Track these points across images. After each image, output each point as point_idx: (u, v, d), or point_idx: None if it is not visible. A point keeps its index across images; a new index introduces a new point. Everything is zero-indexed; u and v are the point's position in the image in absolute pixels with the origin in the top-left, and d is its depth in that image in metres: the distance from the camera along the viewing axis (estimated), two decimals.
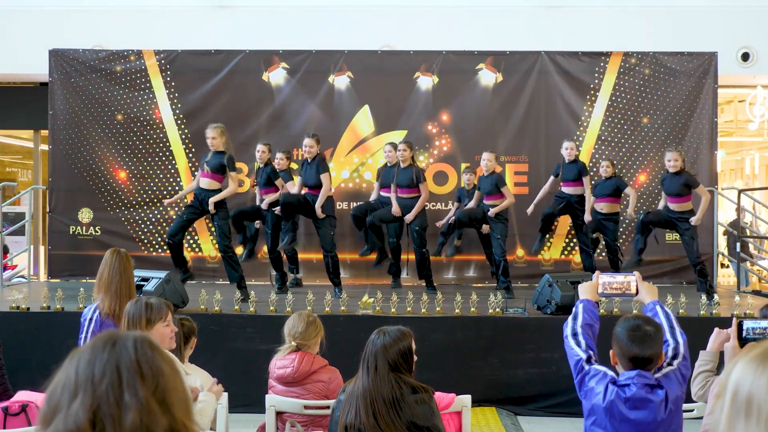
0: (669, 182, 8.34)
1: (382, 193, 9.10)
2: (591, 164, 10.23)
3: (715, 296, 8.04)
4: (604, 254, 9.67)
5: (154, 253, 10.32)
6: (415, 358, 3.52)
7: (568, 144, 9.12)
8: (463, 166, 10.18)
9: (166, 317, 3.93)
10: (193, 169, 10.41)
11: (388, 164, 9.13)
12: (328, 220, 8.53)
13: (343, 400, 3.43)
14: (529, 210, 9.38)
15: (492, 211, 8.66)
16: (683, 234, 8.38)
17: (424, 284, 8.98)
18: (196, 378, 4.13)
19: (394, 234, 9.11)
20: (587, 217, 8.94)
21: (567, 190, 9.08)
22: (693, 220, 8.23)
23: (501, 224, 8.72)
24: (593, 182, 9.34)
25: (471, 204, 9.18)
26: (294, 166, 9.45)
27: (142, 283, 7.26)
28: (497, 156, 9.10)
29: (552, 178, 9.34)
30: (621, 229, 10.16)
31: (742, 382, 1.40)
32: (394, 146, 9.08)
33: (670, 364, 3.11)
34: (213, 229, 10.41)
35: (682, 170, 8.32)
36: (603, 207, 9.02)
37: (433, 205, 10.13)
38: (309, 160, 8.55)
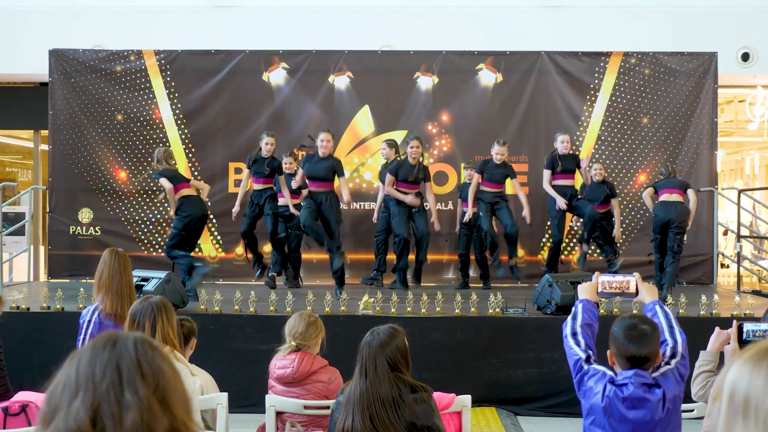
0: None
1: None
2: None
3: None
4: (597, 253, 9.72)
5: (154, 253, 10.32)
6: None
7: (563, 137, 9.16)
8: (463, 164, 10.19)
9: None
10: (192, 169, 10.42)
11: (387, 161, 9.31)
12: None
13: (341, 404, 3.42)
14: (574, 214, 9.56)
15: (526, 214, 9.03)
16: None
17: (396, 280, 9.00)
18: (197, 379, 4.13)
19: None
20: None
21: (566, 182, 9.12)
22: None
23: (507, 205, 9.02)
24: (585, 186, 9.39)
25: (470, 195, 9.13)
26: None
27: (142, 283, 7.25)
28: (508, 147, 9.17)
29: (548, 172, 9.16)
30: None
31: (738, 382, 1.40)
32: (390, 143, 9.38)
33: (668, 364, 3.11)
34: (213, 230, 10.46)
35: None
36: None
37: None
38: (321, 156, 8.22)
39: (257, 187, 9.02)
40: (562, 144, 9.11)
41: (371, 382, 3.32)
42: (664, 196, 8.41)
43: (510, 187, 9.27)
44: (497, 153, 8.90)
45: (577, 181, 9.41)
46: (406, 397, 3.31)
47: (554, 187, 9.10)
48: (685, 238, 8.72)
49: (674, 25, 10.85)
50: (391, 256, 9.28)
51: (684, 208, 8.38)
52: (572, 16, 10.90)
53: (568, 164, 9.11)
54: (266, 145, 8.90)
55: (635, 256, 10.18)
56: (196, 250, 10.41)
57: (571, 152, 9.28)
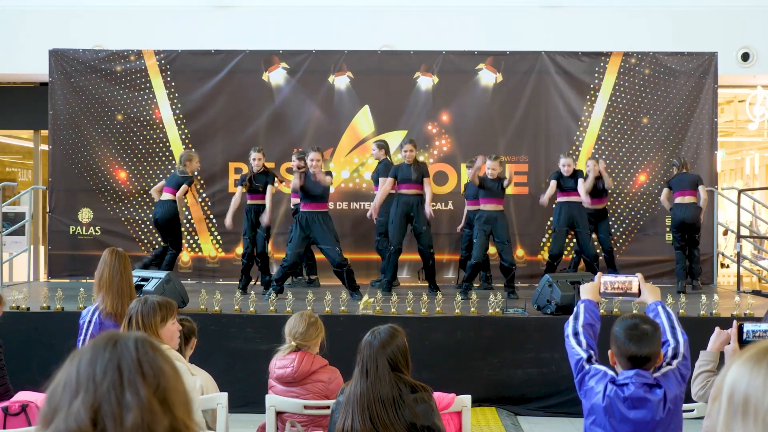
0: None
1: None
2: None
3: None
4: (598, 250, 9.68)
5: None
6: None
7: (565, 161, 9.06)
8: (463, 164, 10.17)
9: (175, 314, 3.93)
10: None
11: (378, 162, 9.47)
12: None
13: (341, 404, 3.41)
14: (543, 200, 9.15)
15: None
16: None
17: (428, 285, 8.95)
18: (197, 378, 4.13)
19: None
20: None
21: (569, 198, 9.04)
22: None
23: (506, 228, 8.72)
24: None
25: (468, 207, 9.10)
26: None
27: (142, 283, 7.26)
28: (501, 161, 9.00)
29: (553, 182, 9.12)
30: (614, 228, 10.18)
31: (738, 383, 1.40)
32: (379, 144, 9.53)
33: (669, 364, 3.11)
34: (213, 230, 10.46)
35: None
36: (591, 205, 9.15)
37: (432, 205, 10.10)
38: (313, 173, 8.34)
39: (252, 202, 9.01)
40: (563, 168, 9.05)
41: (372, 382, 3.32)
42: (678, 199, 9.15)
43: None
44: (490, 168, 8.64)
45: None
46: (406, 397, 3.31)
47: (559, 203, 9.09)
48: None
49: (674, 25, 10.85)
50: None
51: (697, 208, 9.13)
52: (572, 16, 10.90)
53: (570, 182, 9.04)
54: (254, 160, 8.94)
55: (636, 256, 10.20)
56: (196, 249, 10.48)
57: (573, 172, 9.10)
